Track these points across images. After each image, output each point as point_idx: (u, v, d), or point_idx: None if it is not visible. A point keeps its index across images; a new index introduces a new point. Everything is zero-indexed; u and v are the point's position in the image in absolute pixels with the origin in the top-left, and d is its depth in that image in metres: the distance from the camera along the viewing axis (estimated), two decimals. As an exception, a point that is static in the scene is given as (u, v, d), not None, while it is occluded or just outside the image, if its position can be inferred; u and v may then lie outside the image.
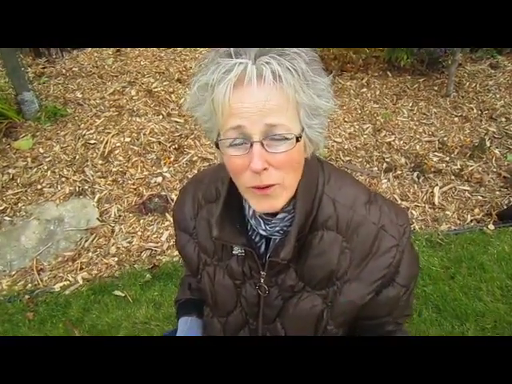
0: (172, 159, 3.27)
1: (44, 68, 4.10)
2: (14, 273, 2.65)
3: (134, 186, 3.10)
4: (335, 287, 0.88)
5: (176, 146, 3.35)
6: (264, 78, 0.69)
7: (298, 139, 0.73)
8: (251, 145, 0.72)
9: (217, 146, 0.77)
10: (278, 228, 0.86)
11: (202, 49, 3.98)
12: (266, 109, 0.70)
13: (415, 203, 2.97)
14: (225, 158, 0.78)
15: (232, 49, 0.71)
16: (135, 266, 2.64)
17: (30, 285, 2.58)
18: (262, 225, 0.86)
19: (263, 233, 0.88)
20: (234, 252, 0.92)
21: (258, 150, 0.71)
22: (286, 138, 0.73)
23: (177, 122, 3.54)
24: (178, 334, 1.08)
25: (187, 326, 1.09)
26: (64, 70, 4.07)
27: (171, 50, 4.32)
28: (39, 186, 3.07)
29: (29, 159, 3.23)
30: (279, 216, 0.85)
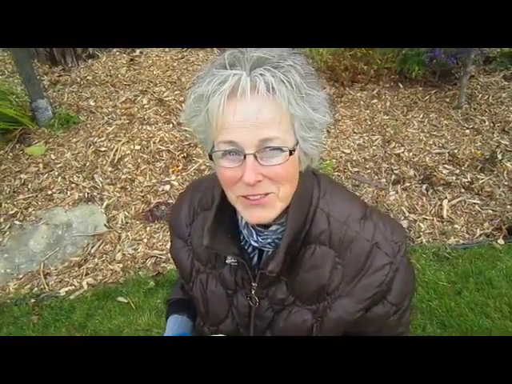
0: (180, 167, 3.30)
1: (59, 76, 4.19)
2: (21, 276, 2.69)
3: (142, 194, 3.13)
4: (326, 302, 0.87)
5: (185, 154, 3.38)
6: (257, 89, 0.69)
7: (291, 152, 0.73)
8: (244, 157, 0.72)
9: (210, 157, 0.77)
10: (269, 240, 0.85)
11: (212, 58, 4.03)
12: (259, 121, 0.70)
13: (423, 216, 2.93)
14: (217, 170, 0.78)
15: (227, 60, 0.72)
16: (140, 272, 2.66)
17: (36, 288, 2.62)
18: (254, 236, 0.86)
19: (255, 244, 0.87)
20: (227, 261, 0.91)
21: (251, 162, 0.71)
22: (280, 150, 0.72)
23: (186, 130, 3.57)
24: (166, 333, 1.07)
25: (176, 326, 1.08)
26: (78, 79, 4.15)
27: (183, 59, 4.38)
28: (49, 192, 3.12)
29: (40, 165, 3.29)
30: (272, 228, 0.84)
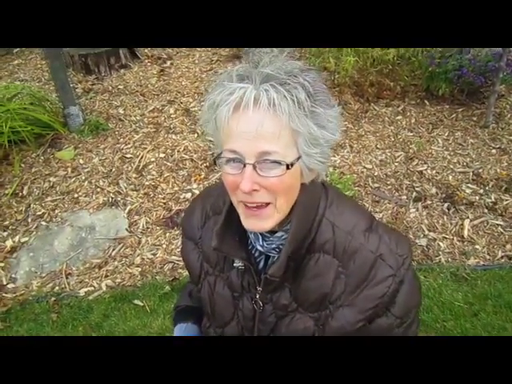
0: (202, 176, 3.36)
1: (93, 84, 4.36)
2: (44, 275, 2.79)
3: (164, 201, 3.21)
4: (328, 311, 0.88)
5: (207, 164, 3.45)
6: (260, 103, 0.73)
7: (288, 167, 0.76)
8: (244, 165, 0.76)
9: (214, 162, 0.82)
10: (274, 245, 0.88)
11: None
12: (259, 134, 0.74)
13: (443, 235, 2.88)
14: (222, 175, 0.82)
15: (239, 72, 0.76)
16: (157, 277, 2.72)
17: (57, 287, 2.71)
18: (260, 241, 0.89)
19: (260, 249, 0.90)
20: (235, 264, 0.94)
21: (249, 172, 0.75)
22: (279, 164, 0.76)
23: (210, 140, 3.65)
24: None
25: (181, 333, 1.11)
26: (110, 87, 4.30)
27: (212, 71, 4.48)
28: (76, 195, 3.24)
29: (69, 169, 3.42)
30: (277, 234, 0.87)
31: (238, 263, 0.93)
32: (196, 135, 3.70)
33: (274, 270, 0.84)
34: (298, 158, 0.77)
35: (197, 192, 3.24)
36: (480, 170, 3.29)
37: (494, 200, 3.06)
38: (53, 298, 2.61)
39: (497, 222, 2.92)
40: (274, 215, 0.81)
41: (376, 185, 3.26)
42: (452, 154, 3.47)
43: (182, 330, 1.12)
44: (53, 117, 3.62)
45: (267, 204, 0.79)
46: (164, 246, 2.92)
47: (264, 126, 0.73)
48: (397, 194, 3.19)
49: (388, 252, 0.86)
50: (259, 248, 0.90)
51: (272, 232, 0.87)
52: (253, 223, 0.82)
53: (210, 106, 0.79)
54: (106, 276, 2.76)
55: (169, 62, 4.72)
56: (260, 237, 0.88)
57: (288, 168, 0.76)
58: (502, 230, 2.87)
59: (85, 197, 3.23)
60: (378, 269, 0.85)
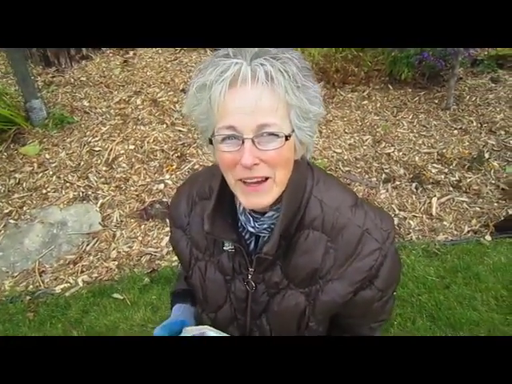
0: (174, 167, 3.33)
1: (53, 77, 4.21)
2: (16, 274, 2.71)
3: (137, 193, 3.16)
4: (318, 286, 0.91)
5: (179, 154, 3.42)
6: (257, 77, 0.74)
7: (287, 138, 0.77)
8: (243, 141, 0.76)
9: (210, 141, 0.81)
10: (265, 226, 0.89)
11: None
12: (258, 108, 0.74)
13: (413, 213, 2.99)
14: (217, 154, 0.82)
15: (229, 49, 0.76)
16: (135, 270, 2.69)
17: (31, 286, 2.64)
18: (251, 222, 0.90)
19: (252, 230, 0.91)
20: (224, 248, 0.95)
21: (248, 146, 0.76)
22: (277, 136, 0.77)
23: (180, 130, 3.61)
24: (171, 319, 1.09)
25: (179, 312, 1.11)
26: (72, 79, 4.17)
27: (177, 61, 4.42)
28: (44, 191, 3.14)
29: (35, 164, 3.31)
30: (268, 214, 0.88)
31: (228, 246, 0.94)
32: (165, 125, 3.66)
33: (268, 249, 0.85)
34: (292, 131, 0.79)
35: (170, 183, 3.21)
36: (444, 150, 3.43)
37: (458, 178, 3.20)
38: (28, 297, 2.54)
39: (462, 199, 3.06)
40: (273, 189, 0.82)
41: (346, 168, 3.34)
42: (417, 135, 3.59)
43: (180, 309, 1.12)
44: (14, 111, 3.48)
45: (266, 179, 0.80)
46: (140, 238, 2.89)
47: (262, 99, 0.74)
48: (367, 176, 3.28)
49: (374, 227, 0.89)
50: (251, 229, 0.91)
51: (262, 213, 0.89)
52: (254, 200, 0.82)
53: (201, 87, 0.78)
54: (82, 271, 2.71)
55: (131, 53, 4.61)
56: (251, 218, 0.90)
57: (286, 139, 0.77)
58: (467, 206, 3.01)
59: (54, 192, 3.14)
60: (365, 243, 0.88)
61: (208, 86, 0.76)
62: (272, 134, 0.77)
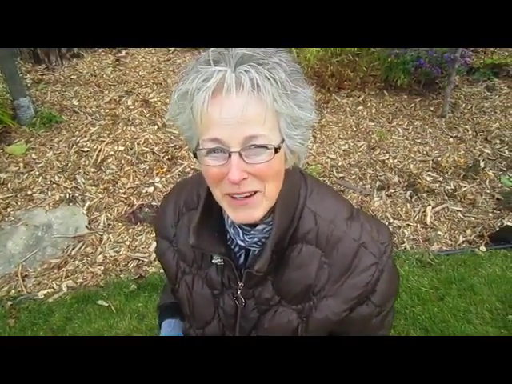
0: (165, 169, 3.26)
1: (43, 75, 4.12)
2: (-3, 278, 2.61)
3: (125, 196, 3.08)
4: (311, 302, 0.86)
5: (169, 156, 3.35)
6: (242, 86, 0.68)
7: (276, 150, 0.72)
8: (229, 155, 0.70)
9: (195, 155, 0.76)
10: (256, 239, 0.84)
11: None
12: (244, 118, 0.69)
13: (407, 222, 2.95)
14: (203, 168, 0.76)
15: (211, 56, 0.70)
16: (121, 275, 2.61)
17: (13, 291, 2.54)
18: (241, 235, 0.85)
19: (241, 243, 0.86)
20: (213, 261, 0.90)
21: (236, 160, 0.70)
22: (266, 148, 0.71)
23: (171, 132, 3.54)
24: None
25: (170, 329, 1.07)
26: (62, 78, 4.09)
27: (170, 61, 4.36)
28: (29, 192, 3.05)
29: (21, 164, 3.22)
30: (258, 227, 0.83)
31: (216, 259, 0.89)
32: (156, 127, 3.59)
33: (261, 265, 0.80)
34: (282, 141, 0.73)
35: (160, 186, 3.14)
36: (439, 159, 3.39)
37: (453, 187, 3.16)
38: (9, 303, 2.44)
39: (457, 208, 3.02)
40: (262, 203, 0.76)
41: (340, 175, 3.29)
42: (412, 143, 3.55)
43: (171, 326, 1.08)
44: (1, 109, 3.38)
45: (255, 192, 0.75)
46: (127, 242, 2.81)
47: (249, 109, 0.68)
48: (361, 183, 3.23)
49: (370, 240, 0.85)
50: (240, 243, 0.86)
51: (252, 225, 0.83)
52: (243, 214, 0.77)
53: (183, 95, 0.72)
54: (67, 276, 2.62)
55: (124, 52, 4.54)
56: (240, 231, 0.84)
57: (276, 151, 0.72)
58: (461, 216, 2.97)
59: (39, 193, 3.05)
60: (361, 257, 0.83)
61: (190, 94, 0.70)
62: (260, 146, 0.71)
